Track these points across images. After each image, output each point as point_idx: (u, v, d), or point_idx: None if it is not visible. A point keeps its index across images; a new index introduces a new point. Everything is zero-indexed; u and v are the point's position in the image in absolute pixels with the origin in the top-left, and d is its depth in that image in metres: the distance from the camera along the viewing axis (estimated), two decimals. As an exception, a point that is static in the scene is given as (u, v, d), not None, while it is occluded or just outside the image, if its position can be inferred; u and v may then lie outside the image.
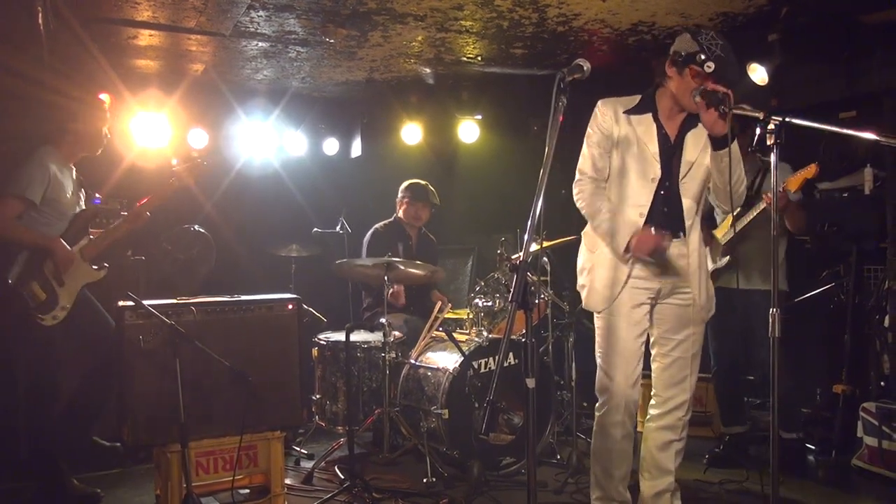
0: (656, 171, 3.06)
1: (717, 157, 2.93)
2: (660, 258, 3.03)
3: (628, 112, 3.12)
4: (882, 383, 4.39)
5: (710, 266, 4.04)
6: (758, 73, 4.38)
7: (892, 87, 4.30)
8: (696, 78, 2.91)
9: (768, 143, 2.53)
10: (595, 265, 3.19)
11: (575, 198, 3.21)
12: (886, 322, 4.36)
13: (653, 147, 3.07)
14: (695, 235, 3.15)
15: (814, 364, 5.02)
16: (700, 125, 3.02)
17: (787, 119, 2.53)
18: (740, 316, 4.11)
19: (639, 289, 3.11)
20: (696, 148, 3.08)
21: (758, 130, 3.36)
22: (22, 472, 4.20)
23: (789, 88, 4.55)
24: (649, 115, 3.11)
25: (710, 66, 2.83)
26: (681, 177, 3.09)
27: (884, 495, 3.93)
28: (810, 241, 5.00)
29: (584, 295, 3.25)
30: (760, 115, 2.59)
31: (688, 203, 3.11)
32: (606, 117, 3.12)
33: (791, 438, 4.25)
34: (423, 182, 5.46)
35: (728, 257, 4.17)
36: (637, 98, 3.15)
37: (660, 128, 3.10)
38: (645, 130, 3.09)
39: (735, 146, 2.93)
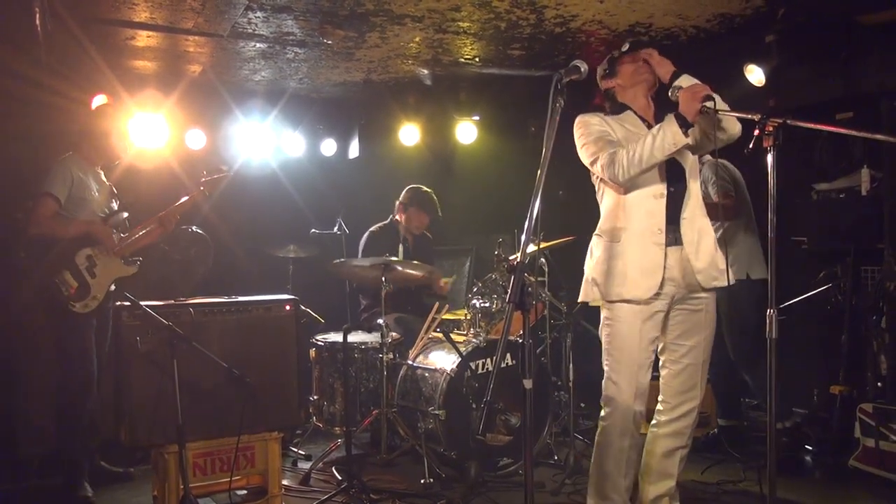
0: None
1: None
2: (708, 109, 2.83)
3: (608, 115, 3.16)
4: (879, 384, 4.39)
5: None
6: (755, 74, 4.39)
7: (889, 87, 4.30)
8: (627, 64, 3.13)
9: (764, 144, 2.53)
10: (623, 253, 3.02)
11: (613, 172, 2.94)
12: (883, 323, 4.37)
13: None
14: (697, 230, 3.08)
15: (811, 365, 5.03)
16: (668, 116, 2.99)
17: (786, 121, 2.52)
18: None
19: (657, 300, 3.02)
20: None
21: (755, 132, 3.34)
22: (27, 472, 4.24)
23: (786, 89, 4.55)
24: (630, 112, 3.15)
25: (625, 47, 3.13)
26: (687, 170, 3.10)
27: (881, 496, 3.93)
28: (808, 242, 5.00)
29: (609, 286, 3.03)
30: (756, 117, 2.59)
31: (694, 194, 3.11)
32: (596, 120, 3.12)
33: (780, 428, 4.25)
34: (428, 190, 5.44)
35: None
36: (604, 110, 3.20)
37: (643, 120, 3.13)
38: (633, 124, 3.11)
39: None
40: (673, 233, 3.04)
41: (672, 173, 3.06)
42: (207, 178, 4.21)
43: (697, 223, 3.10)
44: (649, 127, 3.06)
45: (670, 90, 2.94)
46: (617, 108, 3.18)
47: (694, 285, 3.07)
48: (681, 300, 3.09)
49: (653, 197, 3.03)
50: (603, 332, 3.14)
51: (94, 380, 3.96)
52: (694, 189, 3.12)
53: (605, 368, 3.12)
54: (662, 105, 3.10)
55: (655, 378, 3.22)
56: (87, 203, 4.00)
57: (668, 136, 2.83)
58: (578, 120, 3.15)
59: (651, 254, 3.00)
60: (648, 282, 2.99)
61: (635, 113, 3.15)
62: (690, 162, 3.13)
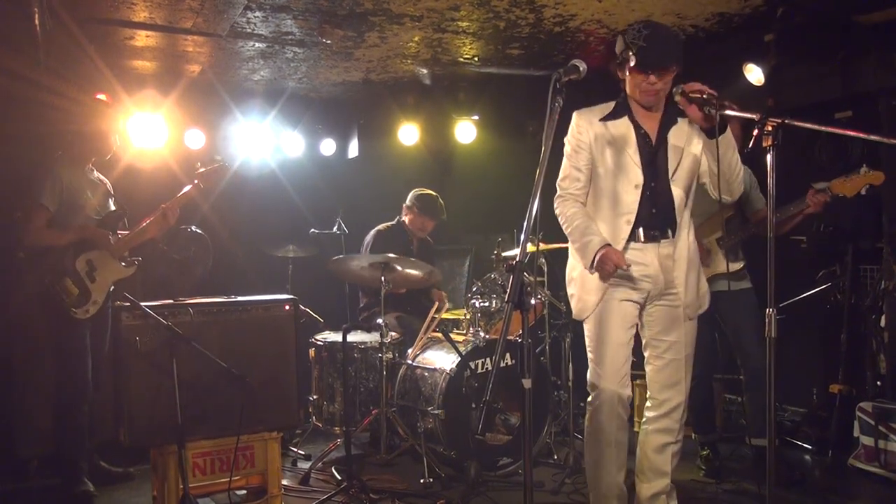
0: (638, 176, 3.04)
1: (710, 145, 2.93)
2: (623, 273, 3.04)
3: (604, 119, 3.11)
4: (878, 383, 4.40)
5: (728, 268, 4.00)
6: (754, 74, 4.38)
7: (888, 86, 4.31)
8: (633, 74, 2.98)
9: (764, 144, 2.52)
10: (583, 273, 3.16)
11: (556, 213, 3.20)
12: (882, 322, 4.37)
13: (632, 152, 3.05)
14: (685, 233, 3.14)
15: (810, 364, 5.03)
16: (680, 121, 3.06)
17: (785, 121, 2.52)
18: (715, 318, 4.08)
19: (628, 289, 3.09)
20: (681, 141, 3.07)
21: (754, 132, 3.34)
22: (27, 472, 4.23)
23: (785, 89, 4.55)
24: (625, 119, 3.09)
25: (632, 60, 2.91)
26: (671, 173, 3.07)
27: (880, 495, 3.93)
28: (807, 241, 5.01)
29: (573, 304, 3.24)
30: (756, 117, 2.59)
31: (678, 199, 3.09)
32: (581, 129, 3.13)
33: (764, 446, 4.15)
34: (434, 194, 5.41)
35: (742, 263, 4.09)
36: (612, 104, 3.14)
37: (638, 129, 3.08)
38: (623, 135, 3.07)
39: (728, 133, 2.93)
40: (653, 229, 3.08)
41: (647, 170, 3.06)
42: (202, 170, 4.17)
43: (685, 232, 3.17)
44: (642, 135, 3.06)
45: (673, 89, 2.91)
46: (618, 110, 3.12)
47: (671, 282, 3.11)
48: (656, 296, 3.14)
49: (621, 225, 3.08)
50: (585, 325, 3.22)
51: (90, 381, 3.96)
52: (680, 196, 3.11)
53: (589, 355, 3.20)
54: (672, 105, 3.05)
55: (644, 376, 3.24)
56: (81, 207, 3.98)
57: (586, 254, 3.03)
58: (574, 117, 3.16)
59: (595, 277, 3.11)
60: (593, 298, 3.13)
61: (631, 118, 3.09)
62: (685, 165, 3.09)
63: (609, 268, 2.96)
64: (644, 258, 3.08)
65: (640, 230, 3.07)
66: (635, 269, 3.07)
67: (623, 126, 3.09)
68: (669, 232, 3.10)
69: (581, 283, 3.18)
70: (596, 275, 3.08)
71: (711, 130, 2.88)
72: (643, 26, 2.90)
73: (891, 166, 4.34)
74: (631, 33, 2.91)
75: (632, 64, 2.92)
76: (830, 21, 4.28)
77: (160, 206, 4.10)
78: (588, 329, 3.20)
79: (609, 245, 3.01)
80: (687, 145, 3.07)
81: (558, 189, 3.19)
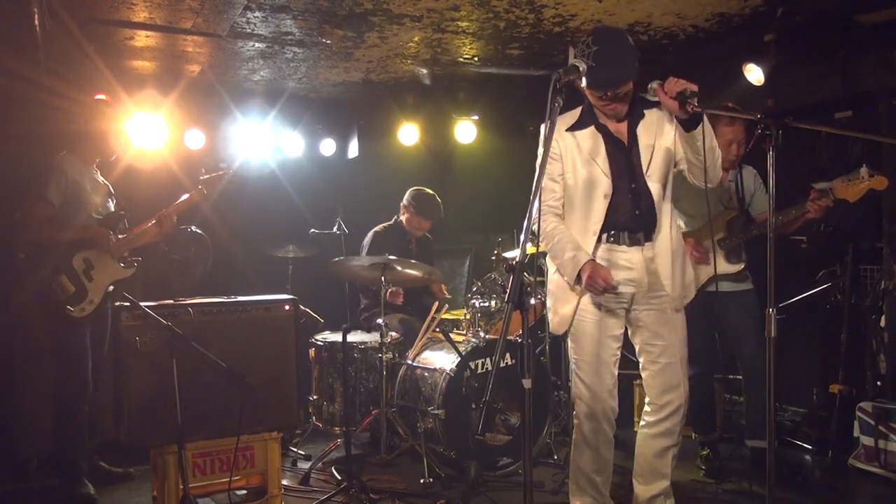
0: (608, 186, 3.00)
1: (688, 136, 2.86)
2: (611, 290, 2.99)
3: (571, 129, 3.07)
4: (878, 383, 4.40)
5: (726, 269, 3.99)
6: (754, 74, 4.39)
7: (888, 86, 4.31)
8: (587, 91, 2.94)
9: (763, 144, 2.53)
10: (558, 286, 3.15)
11: (540, 233, 3.11)
12: (883, 322, 4.37)
13: (602, 162, 3.01)
14: (666, 225, 3.08)
15: (810, 364, 5.03)
16: (647, 113, 3.02)
17: (785, 121, 2.53)
18: (715, 319, 4.08)
19: (611, 296, 3.04)
20: (650, 136, 3.02)
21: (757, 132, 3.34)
22: (28, 473, 4.23)
23: (785, 89, 4.56)
24: (592, 128, 3.05)
25: (583, 80, 2.81)
26: (645, 171, 3.03)
27: (880, 495, 3.93)
28: (807, 241, 5.01)
29: (549, 318, 3.23)
30: (755, 117, 2.59)
31: (657, 194, 3.04)
32: (552, 136, 3.03)
33: (763, 448, 4.06)
34: (430, 193, 5.37)
35: (744, 264, 4.06)
36: (578, 111, 3.10)
37: (607, 136, 3.04)
38: (591, 146, 3.03)
39: (705, 122, 2.86)
40: (636, 232, 3.05)
41: (623, 173, 3.02)
42: (206, 176, 4.20)
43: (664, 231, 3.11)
44: (612, 140, 3.04)
45: (649, 86, 2.87)
46: (584, 119, 3.07)
47: (657, 283, 3.08)
48: (641, 300, 3.09)
49: (589, 237, 3.03)
50: (569, 334, 3.19)
51: (90, 381, 3.96)
52: (658, 190, 3.06)
53: (572, 366, 3.18)
54: (637, 100, 3.04)
55: (638, 378, 3.24)
56: (84, 205, 3.98)
57: (571, 270, 2.98)
58: (542, 129, 2.99)
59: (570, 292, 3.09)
60: (569, 311, 3.10)
61: (597, 125, 3.05)
62: (658, 159, 3.04)
63: (598, 288, 2.93)
64: (630, 261, 3.05)
65: (625, 234, 3.04)
66: (620, 275, 3.03)
67: (590, 136, 3.05)
68: (653, 234, 3.07)
69: (557, 297, 3.15)
70: (570, 286, 3.06)
71: (689, 122, 2.82)
72: (593, 40, 2.78)
73: (891, 166, 4.34)
74: (581, 48, 2.81)
75: (583, 83, 2.85)
76: (830, 21, 4.28)
77: (158, 212, 4.11)
78: (572, 343, 3.16)
79: (593, 260, 2.98)
80: (658, 139, 3.02)
81: (540, 203, 3.06)
